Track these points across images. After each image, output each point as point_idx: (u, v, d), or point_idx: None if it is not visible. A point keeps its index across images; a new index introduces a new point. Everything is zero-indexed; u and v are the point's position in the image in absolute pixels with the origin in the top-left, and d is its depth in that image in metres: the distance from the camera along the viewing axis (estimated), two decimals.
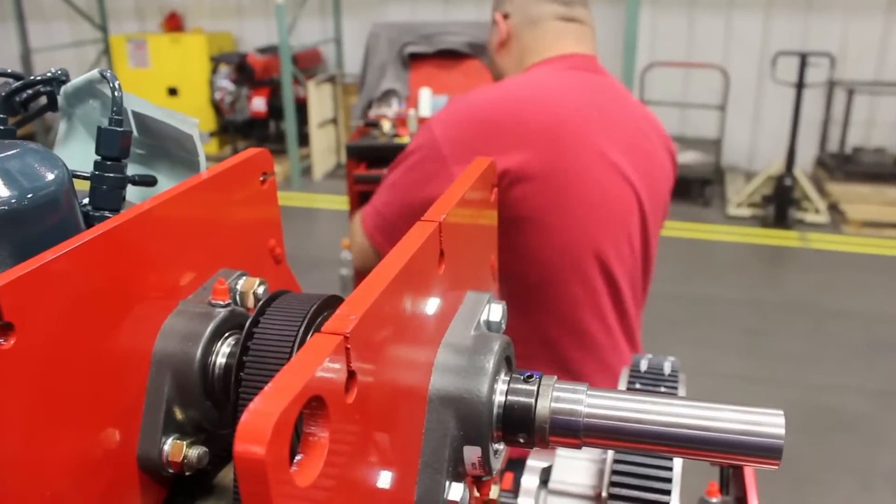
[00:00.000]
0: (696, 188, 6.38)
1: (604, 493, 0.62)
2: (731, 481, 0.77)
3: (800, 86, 5.75)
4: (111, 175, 0.57)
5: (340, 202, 6.28)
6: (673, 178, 1.61)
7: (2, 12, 8.60)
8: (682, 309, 4.49)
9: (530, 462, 0.74)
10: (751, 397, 3.61)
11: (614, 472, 0.60)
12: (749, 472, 0.73)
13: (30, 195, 0.47)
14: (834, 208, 6.16)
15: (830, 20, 6.66)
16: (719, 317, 4.45)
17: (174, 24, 8.36)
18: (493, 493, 0.54)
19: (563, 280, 1.44)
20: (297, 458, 0.31)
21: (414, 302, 0.43)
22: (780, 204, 5.90)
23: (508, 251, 1.39)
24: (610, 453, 0.65)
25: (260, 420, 0.27)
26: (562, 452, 0.74)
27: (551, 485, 0.72)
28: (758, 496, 0.69)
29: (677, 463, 0.63)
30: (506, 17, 1.60)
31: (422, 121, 2.81)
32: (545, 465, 0.73)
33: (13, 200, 0.46)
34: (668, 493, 0.59)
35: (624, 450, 0.51)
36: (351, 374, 0.34)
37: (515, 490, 0.70)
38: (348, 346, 0.33)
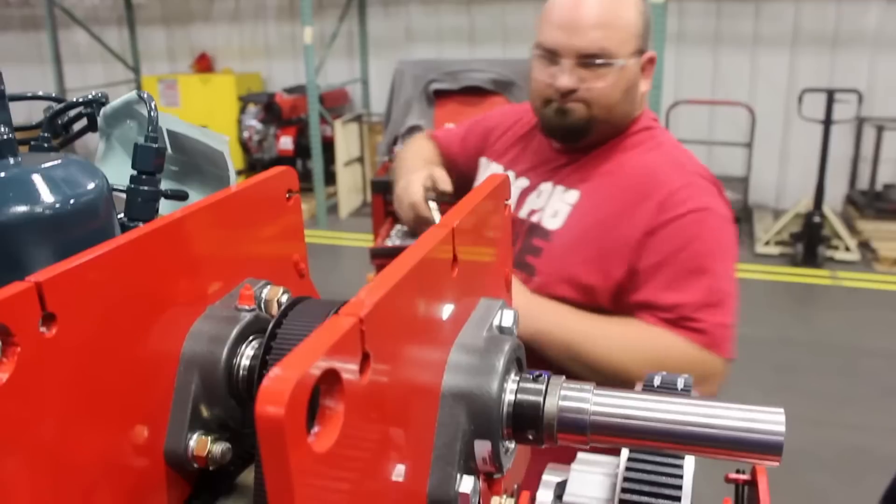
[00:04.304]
0: None
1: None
2: (746, 500, 0.77)
3: (827, 122, 5.74)
4: (145, 188, 0.61)
5: (366, 240, 6.33)
6: (636, 247, 1.42)
7: (41, 55, 8.91)
8: None
9: (546, 477, 0.75)
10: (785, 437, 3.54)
11: (626, 479, 0.61)
12: (763, 489, 0.73)
13: (72, 201, 0.50)
14: (865, 246, 6.10)
15: (857, 57, 6.66)
16: (749, 356, 4.39)
17: (204, 64, 8.59)
18: None
19: None
20: (315, 429, 0.33)
21: (427, 301, 0.46)
22: (809, 242, 5.85)
23: None
24: (622, 467, 0.66)
25: (279, 385, 0.29)
26: (576, 467, 0.75)
27: (566, 498, 0.73)
28: None
29: (688, 474, 0.63)
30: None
31: None
32: (560, 479, 0.74)
33: (57, 205, 0.49)
34: (678, 500, 0.60)
35: (630, 447, 0.53)
36: (365, 356, 0.36)
37: None
38: (363, 328, 0.36)
